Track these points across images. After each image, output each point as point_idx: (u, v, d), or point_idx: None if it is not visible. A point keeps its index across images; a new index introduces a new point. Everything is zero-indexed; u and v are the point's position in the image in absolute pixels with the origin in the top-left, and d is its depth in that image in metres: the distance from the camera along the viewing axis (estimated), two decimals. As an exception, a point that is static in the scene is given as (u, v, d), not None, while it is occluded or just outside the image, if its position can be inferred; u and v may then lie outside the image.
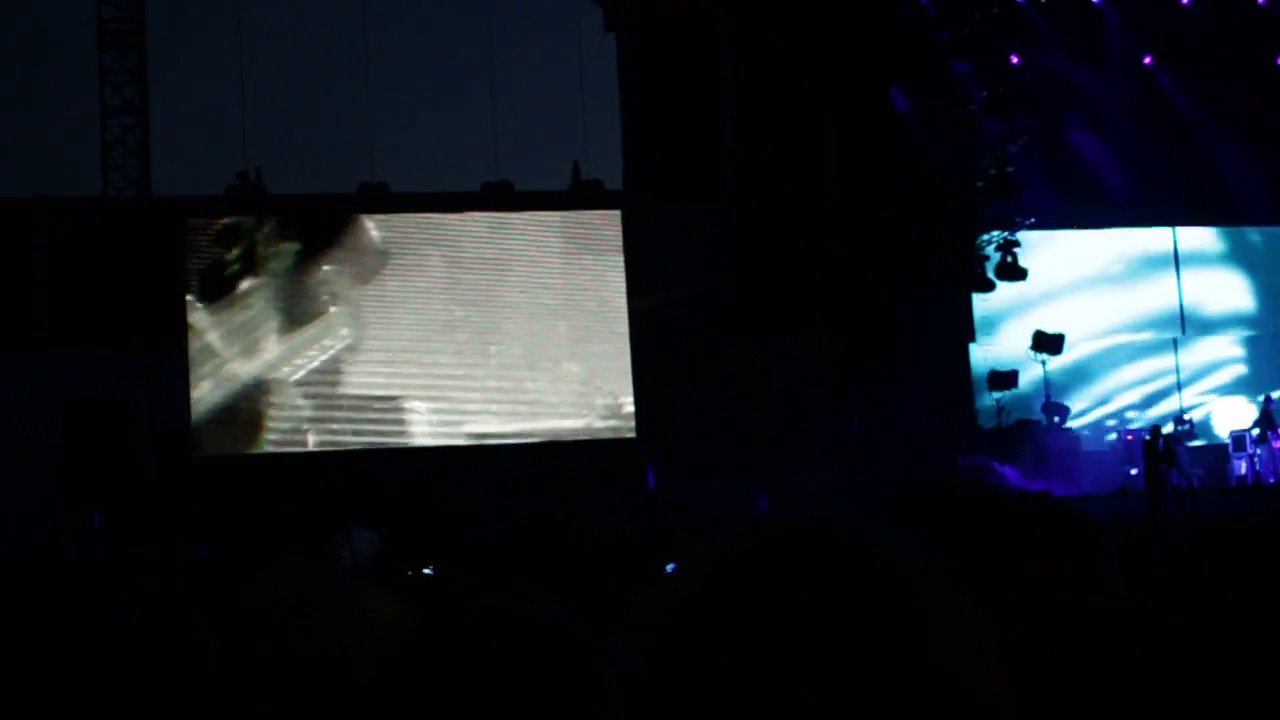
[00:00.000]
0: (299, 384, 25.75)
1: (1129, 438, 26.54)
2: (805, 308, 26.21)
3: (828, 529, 1.22)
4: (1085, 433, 27.87)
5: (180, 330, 25.42)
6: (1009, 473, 24.73)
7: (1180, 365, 29.38)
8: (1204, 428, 28.31)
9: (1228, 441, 26.91)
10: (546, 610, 1.90)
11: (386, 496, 22.16)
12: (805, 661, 1.13)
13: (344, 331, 25.96)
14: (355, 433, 25.85)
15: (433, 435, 26.08)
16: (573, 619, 1.88)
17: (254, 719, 3.24)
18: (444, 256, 26.60)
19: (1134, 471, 25.25)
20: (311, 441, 25.70)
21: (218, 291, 25.77)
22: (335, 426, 25.80)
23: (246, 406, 25.59)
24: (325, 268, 26.15)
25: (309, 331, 25.88)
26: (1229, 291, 30.04)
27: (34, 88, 29.42)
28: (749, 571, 1.19)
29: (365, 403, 25.91)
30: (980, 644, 1.18)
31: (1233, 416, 28.33)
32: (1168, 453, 24.21)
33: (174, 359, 25.42)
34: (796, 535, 1.22)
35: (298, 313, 25.91)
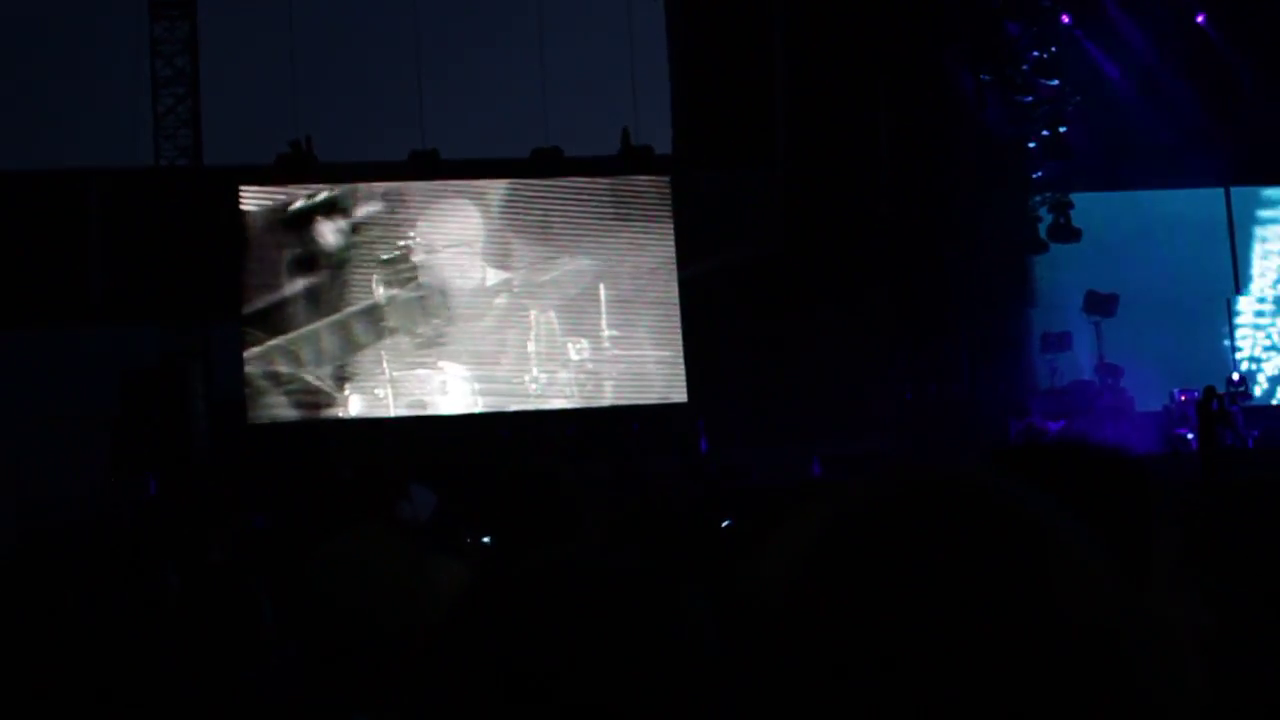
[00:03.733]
0: (345, 353, 25.85)
1: (1182, 398, 26.38)
2: (857, 272, 26.15)
3: (967, 481, 1.23)
4: (1138, 394, 27.73)
5: (233, 299, 25.55)
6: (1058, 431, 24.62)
7: (1234, 325, 29.23)
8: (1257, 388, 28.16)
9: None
10: (627, 559, 1.89)
11: (438, 463, 22.22)
12: (941, 611, 1.14)
13: (389, 298, 26.03)
14: (401, 399, 25.93)
15: (481, 402, 26.16)
16: (658, 567, 1.87)
17: (317, 685, 3.28)
18: (492, 223, 26.64)
19: (1190, 436, 25.10)
20: (360, 409, 25.80)
21: (271, 260, 25.88)
22: (379, 393, 25.90)
23: (297, 375, 25.70)
24: (372, 234, 26.23)
25: (356, 297, 25.97)
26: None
27: (85, 59, 29.55)
28: (886, 521, 1.20)
29: (413, 370, 25.99)
30: (1108, 596, 1.19)
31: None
32: (1221, 413, 24.06)
33: (227, 328, 25.56)
34: (936, 486, 1.23)
35: (345, 280, 26.01)
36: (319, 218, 26.13)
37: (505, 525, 4.16)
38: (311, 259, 25.98)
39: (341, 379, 25.78)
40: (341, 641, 3.13)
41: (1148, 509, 1.92)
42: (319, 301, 25.92)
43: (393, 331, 25.99)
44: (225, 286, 25.46)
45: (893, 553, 1.18)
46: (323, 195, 26.26)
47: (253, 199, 26.15)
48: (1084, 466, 1.94)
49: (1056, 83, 26.92)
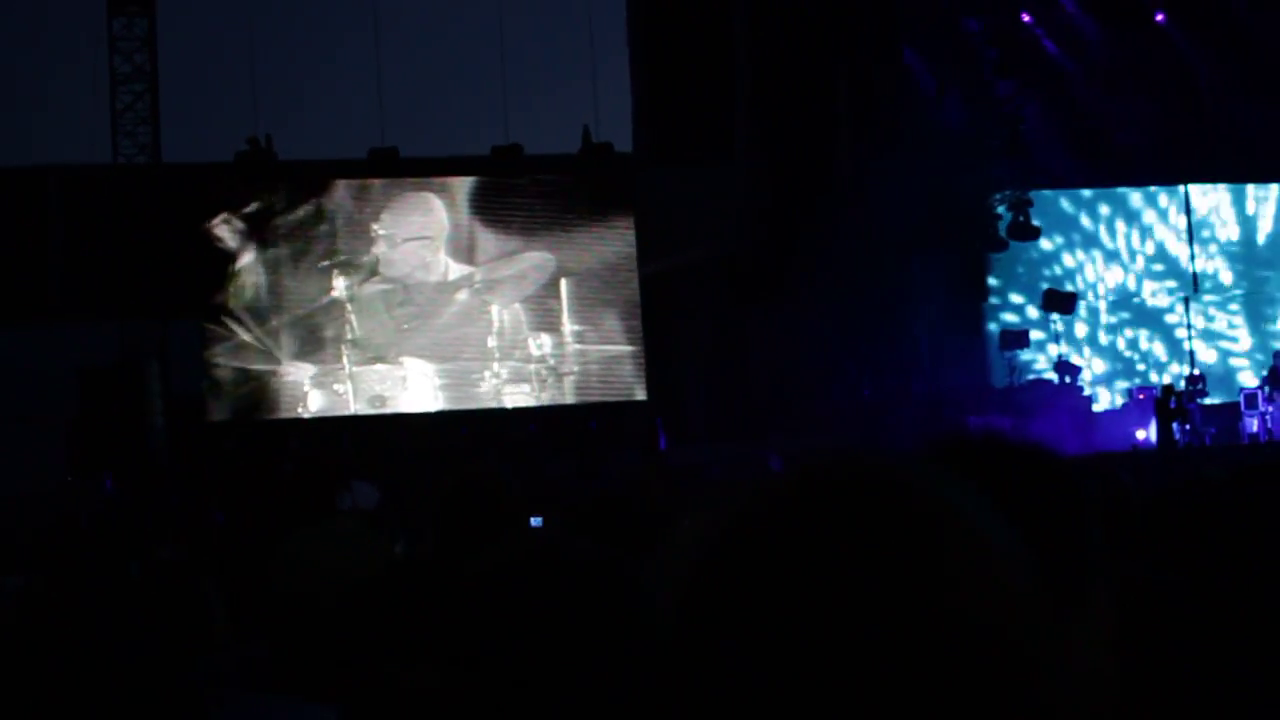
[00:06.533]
0: (305, 349, 25.78)
1: (1140, 396, 26.51)
2: (817, 268, 26.17)
3: (867, 468, 1.21)
4: (1097, 392, 27.87)
5: (191, 297, 25.44)
6: (1016, 430, 24.65)
7: (1191, 323, 29.36)
8: (1215, 386, 28.26)
9: (1239, 399, 26.86)
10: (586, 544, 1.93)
11: (395, 461, 22.18)
12: (841, 601, 1.11)
13: (350, 293, 25.97)
14: (362, 395, 25.87)
15: (442, 397, 26.11)
16: (612, 551, 1.91)
17: (277, 678, 3.28)
18: (455, 216, 26.59)
19: (1141, 435, 25.22)
20: (320, 405, 25.73)
21: (228, 256, 25.79)
22: (339, 388, 25.83)
23: (256, 372, 25.63)
24: (330, 229, 26.15)
25: (317, 292, 25.89)
26: (1241, 248, 29.98)
27: (44, 56, 29.42)
28: (787, 511, 1.18)
29: (373, 366, 25.93)
30: (1021, 595, 1.17)
31: (1244, 374, 28.41)
32: (1179, 411, 24.21)
33: (186, 325, 25.47)
34: (837, 473, 1.21)
35: (306, 275, 25.93)
36: (279, 212, 26.04)
37: (446, 530, 4.20)
38: (272, 254, 25.88)
39: (302, 375, 25.70)
40: (306, 633, 3.13)
41: (1078, 509, 1.90)
42: (279, 297, 25.84)
43: (353, 327, 25.92)
44: (183, 284, 25.34)
45: (793, 545, 1.15)
46: (285, 193, 26.17)
47: (214, 195, 26.03)
48: (1010, 463, 1.92)
49: (1015, 80, 27.02)
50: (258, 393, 25.62)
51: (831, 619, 1.12)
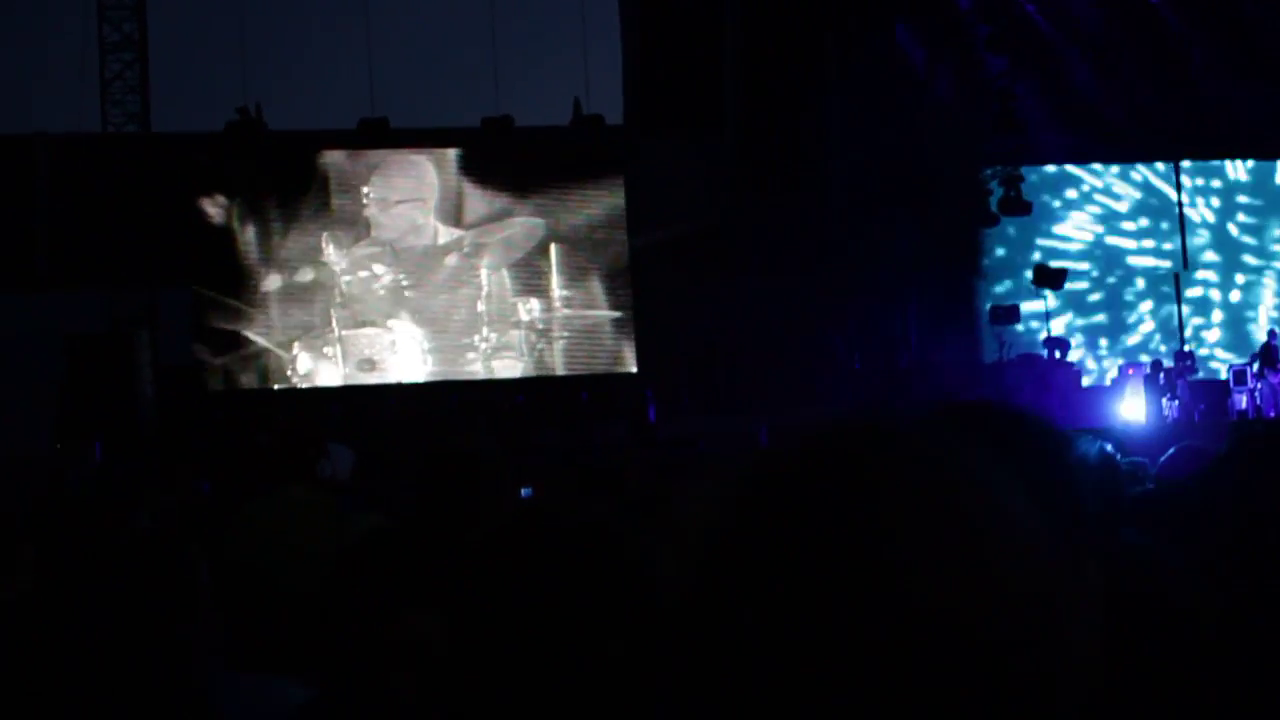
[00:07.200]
0: (295, 314, 25.73)
1: (1130, 372, 26.56)
2: (807, 241, 26.16)
3: (884, 431, 1.21)
4: (1086, 367, 27.91)
5: (180, 265, 25.38)
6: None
7: (1182, 299, 29.39)
8: (1204, 362, 28.33)
9: (1228, 376, 26.92)
10: (596, 510, 1.95)
11: (386, 432, 22.15)
12: (862, 565, 1.10)
13: (339, 258, 25.90)
14: (351, 358, 25.82)
15: (431, 360, 26.07)
16: (622, 518, 1.92)
17: (246, 649, 3.26)
18: (446, 179, 26.54)
19: (1129, 411, 25.27)
20: (309, 367, 25.69)
21: (217, 224, 25.72)
22: (329, 351, 25.78)
23: (246, 338, 25.58)
24: (321, 192, 26.06)
25: (307, 255, 25.83)
26: (1231, 225, 30.01)
27: (33, 24, 29.31)
28: (805, 474, 1.17)
29: (362, 329, 25.89)
30: (1033, 543, 1.16)
31: (1233, 351, 28.46)
32: (1169, 387, 24.24)
33: (175, 294, 25.41)
34: (853, 435, 1.21)
35: (293, 241, 25.87)
36: (269, 179, 25.95)
37: (431, 501, 4.19)
38: (261, 220, 25.81)
39: (291, 338, 25.65)
40: (261, 604, 3.12)
41: (1069, 476, 1.90)
42: (269, 263, 25.78)
43: (343, 291, 25.88)
44: (173, 253, 25.29)
45: (814, 509, 1.14)
46: (273, 158, 26.09)
47: (203, 164, 25.95)
48: (1004, 430, 1.92)
49: (1007, 56, 26.98)
50: (247, 359, 25.58)
51: (854, 583, 1.10)
